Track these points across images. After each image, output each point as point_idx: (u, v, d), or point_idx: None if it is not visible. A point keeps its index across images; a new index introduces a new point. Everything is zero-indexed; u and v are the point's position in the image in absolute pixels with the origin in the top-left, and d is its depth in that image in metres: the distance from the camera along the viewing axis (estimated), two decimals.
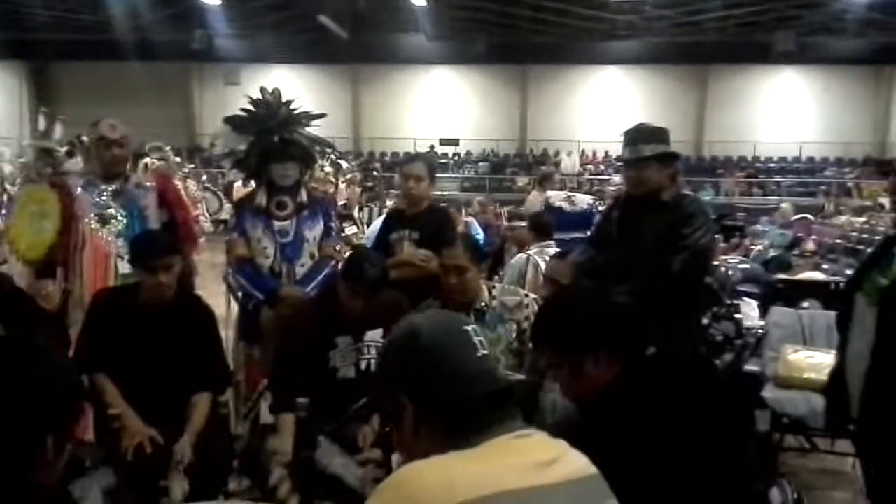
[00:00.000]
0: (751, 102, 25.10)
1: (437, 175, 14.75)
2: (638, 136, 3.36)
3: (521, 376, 2.86)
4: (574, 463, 1.32)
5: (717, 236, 5.46)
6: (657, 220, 3.23)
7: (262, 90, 3.83)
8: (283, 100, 3.82)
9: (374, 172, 15.98)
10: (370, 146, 24.97)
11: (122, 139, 3.71)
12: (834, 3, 18.81)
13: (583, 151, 25.00)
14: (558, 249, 5.49)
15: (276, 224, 3.73)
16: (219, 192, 14.19)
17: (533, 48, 23.32)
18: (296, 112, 3.81)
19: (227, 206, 11.16)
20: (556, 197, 8.13)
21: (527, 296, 3.23)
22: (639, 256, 3.20)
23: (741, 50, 22.34)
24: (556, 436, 1.40)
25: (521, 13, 20.66)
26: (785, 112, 24.95)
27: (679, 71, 24.64)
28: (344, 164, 9.20)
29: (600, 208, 8.45)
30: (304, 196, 3.79)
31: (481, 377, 1.33)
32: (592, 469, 1.34)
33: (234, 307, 5.08)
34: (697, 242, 3.15)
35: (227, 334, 4.08)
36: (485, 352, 1.37)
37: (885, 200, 17.66)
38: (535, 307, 3.14)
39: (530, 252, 5.29)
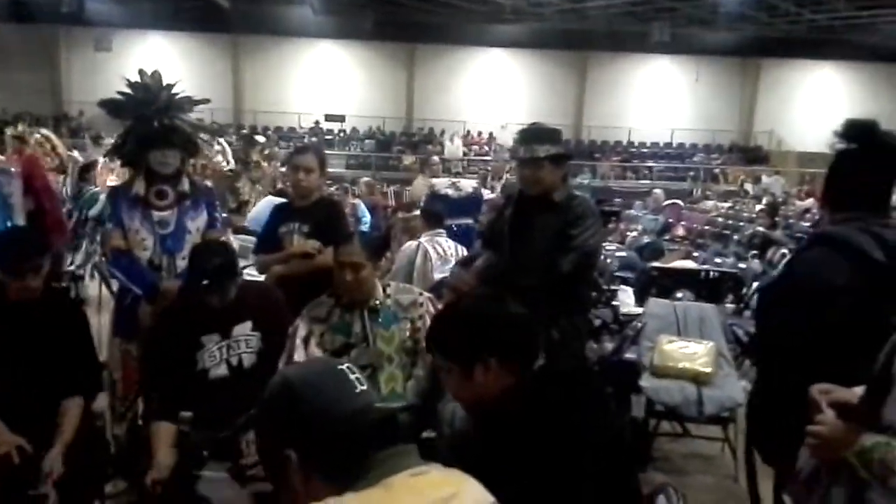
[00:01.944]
0: (627, 89, 26.04)
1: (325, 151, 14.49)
2: (532, 136, 3.42)
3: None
4: (472, 495, 1.32)
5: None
6: (548, 220, 3.30)
7: (141, 72, 3.60)
8: (164, 83, 3.62)
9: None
10: (252, 119, 24.20)
11: None
12: None
13: (468, 132, 25.22)
14: (447, 238, 5.58)
15: (156, 214, 3.54)
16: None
17: (420, 27, 23.25)
18: (178, 96, 3.62)
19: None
20: (442, 184, 8.19)
21: (421, 294, 3.23)
22: (530, 255, 3.27)
23: (620, 38, 23.07)
24: (455, 445, 1.40)
25: None
26: (658, 99, 26.03)
27: (561, 56, 25.23)
28: (224, 143, 8.82)
29: (486, 193, 8.61)
30: (185, 185, 3.61)
31: (363, 414, 1.31)
32: (490, 498, 1.34)
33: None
34: (586, 243, 3.25)
35: (100, 321, 3.88)
36: (364, 388, 1.35)
37: (749, 186, 18.89)
38: (430, 306, 3.15)
39: (421, 240, 5.31)
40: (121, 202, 3.56)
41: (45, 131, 8.58)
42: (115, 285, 3.99)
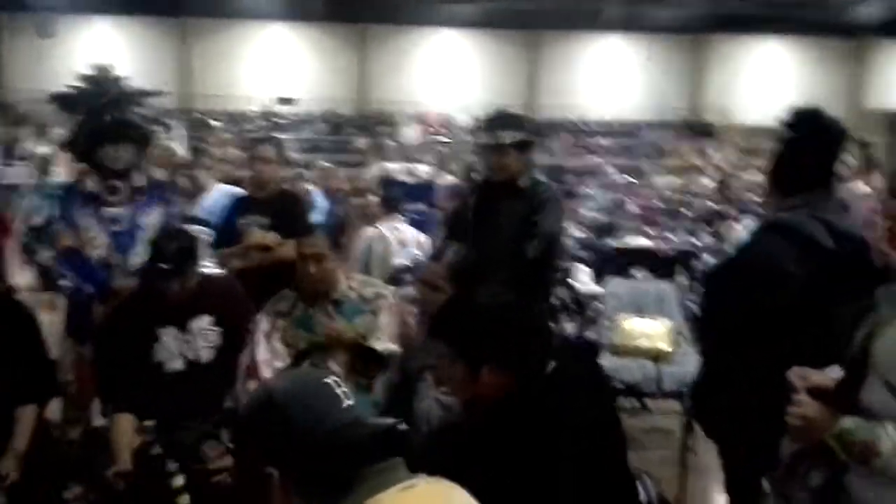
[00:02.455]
0: (579, 67, 26.13)
1: (274, 136, 14.29)
2: (497, 122, 3.44)
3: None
4: None
5: None
6: (513, 207, 3.33)
7: (93, 65, 3.51)
8: (115, 76, 3.53)
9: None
10: (202, 104, 23.71)
11: None
12: None
13: (421, 114, 25.09)
14: (407, 224, 5.57)
15: (108, 211, 3.48)
16: None
17: (372, 8, 22.99)
18: (129, 89, 3.54)
19: None
20: (397, 170, 8.17)
21: (385, 287, 3.22)
22: (495, 242, 3.29)
23: (572, 16, 23.14)
24: (437, 445, 1.39)
25: None
26: (610, 77, 26.19)
27: (514, 35, 25.20)
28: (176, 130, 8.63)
29: (446, 177, 8.62)
30: (139, 181, 3.54)
31: (350, 429, 1.28)
32: None
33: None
34: (550, 229, 3.28)
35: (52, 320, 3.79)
36: (350, 402, 1.32)
37: (700, 162, 19.16)
38: (392, 298, 3.14)
39: (379, 226, 5.29)
40: (71, 199, 3.48)
41: None
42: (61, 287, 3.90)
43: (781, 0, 21.04)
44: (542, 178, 3.73)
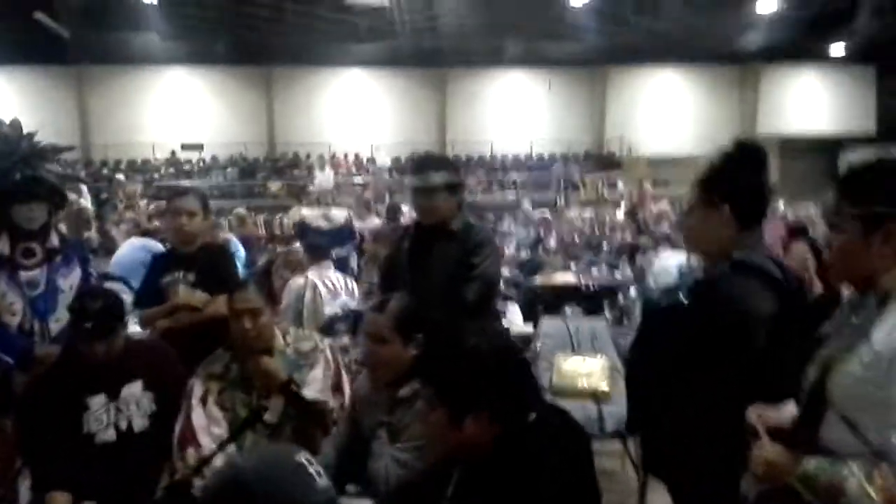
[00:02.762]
0: (486, 103, 26.68)
1: (181, 181, 13.88)
2: (426, 164, 3.42)
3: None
4: None
5: None
6: (447, 249, 3.30)
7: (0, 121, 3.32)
8: (24, 132, 3.34)
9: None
10: (103, 153, 22.97)
11: None
12: (555, 10, 20.55)
13: (333, 155, 25.01)
14: (335, 270, 5.47)
15: (24, 275, 3.27)
16: None
17: (276, 49, 22.87)
18: (40, 145, 3.35)
19: None
20: (313, 216, 8.04)
21: (322, 340, 3.13)
22: (430, 285, 3.24)
23: (476, 53, 23.66)
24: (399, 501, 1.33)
25: (261, 13, 20.15)
26: (516, 112, 26.83)
27: (421, 73, 25.53)
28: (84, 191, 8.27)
29: (368, 221, 8.54)
30: (55, 240, 3.35)
31: None
32: None
33: None
34: (487, 271, 3.26)
35: None
36: (324, 482, 1.26)
37: (606, 192, 19.72)
38: (330, 353, 3.04)
39: (308, 274, 5.17)
40: None
41: None
42: None
43: (671, 30, 22.03)
44: (471, 219, 3.72)
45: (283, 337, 3.03)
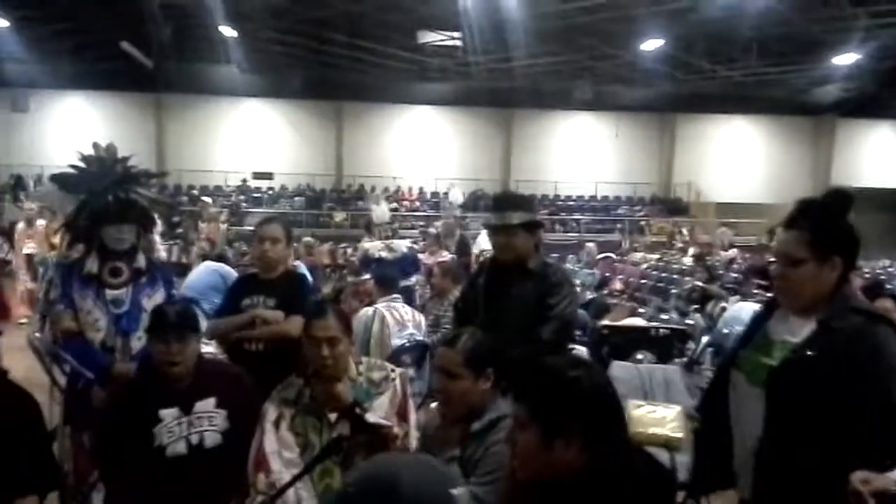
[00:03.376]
0: (551, 144, 26.73)
1: (251, 210, 14.24)
2: (506, 203, 3.41)
3: None
4: None
5: None
6: (523, 288, 3.27)
7: (95, 145, 3.45)
8: (119, 156, 3.46)
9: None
10: (177, 178, 23.70)
11: None
12: (626, 56, 20.52)
13: (398, 188, 25.33)
14: (403, 303, 5.49)
15: (110, 293, 3.36)
16: None
17: (349, 85, 23.38)
18: (134, 170, 3.47)
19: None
20: (375, 248, 8.13)
21: (393, 370, 3.12)
22: (506, 324, 3.21)
23: (544, 95, 23.76)
24: None
25: (337, 51, 20.67)
26: (582, 154, 26.78)
27: (488, 112, 25.75)
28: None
29: (437, 256, 8.58)
30: (142, 262, 3.44)
31: None
32: None
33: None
34: (564, 311, 3.23)
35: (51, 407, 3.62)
36: None
37: (676, 239, 19.44)
38: (400, 382, 3.03)
39: (377, 306, 5.20)
40: (72, 280, 3.37)
41: None
42: (61, 371, 3.75)
43: (745, 80, 21.74)
44: (550, 260, 3.69)
45: (356, 366, 3.03)
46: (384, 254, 8.30)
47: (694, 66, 21.13)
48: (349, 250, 13.57)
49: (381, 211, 10.62)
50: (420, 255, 8.81)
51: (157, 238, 9.32)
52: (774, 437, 2.06)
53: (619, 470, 1.72)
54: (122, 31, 17.53)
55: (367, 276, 6.54)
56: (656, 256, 15.12)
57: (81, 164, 3.42)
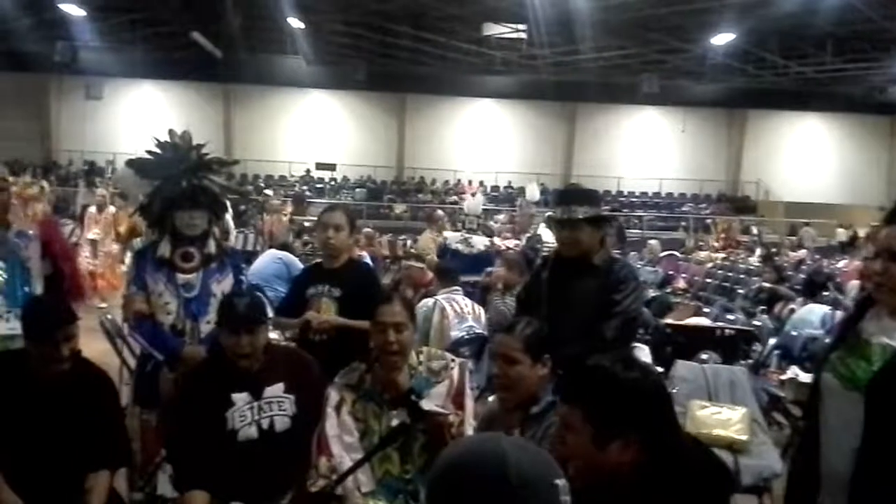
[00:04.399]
0: (616, 139, 26.36)
1: (312, 200, 14.46)
2: (571, 197, 3.37)
3: None
4: None
5: None
6: (588, 284, 3.22)
7: (171, 132, 3.52)
8: (194, 143, 3.54)
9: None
10: (243, 168, 24.16)
11: (4, 182, 3.33)
12: (695, 50, 20.07)
13: (458, 181, 25.35)
14: (463, 295, 5.49)
15: (181, 277, 3.43)
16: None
17: (412, 78, 23.48)
18: (207, 157, 3.54)
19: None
20: (453, 239, 8.12)
21: (453, 360, 3.11)
22: (568, 319, 3.17)
23: (610, 89, 23.42)
24: None
25: (402, 43, 20.76)
26: (647, 149, 26.33)
27: (552, 106, 25.53)
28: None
29: (501, 246, 8.53)
30: (212, 247, 3.51)
31: None
32: None
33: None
34: (629, 308, 3.17)
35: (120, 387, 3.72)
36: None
37: (744, 237, 18.96)
38: (459, 371, 3.03)
39: (438, 297, 5.22)
40: (145, 264, 3.45)
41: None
42: (131, 352, 3.86)
43: (819, 77, 21.04)
44: (616, 255, 3.63)
45: (417, 355, 3.04)
46: (460, 247, 8.29)
47: (766, 61, 20.54)
48: (409, 242, 13.63)
49: (474, 203, 10.56)
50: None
51: (230, 225, 9.55)
52: (875, 451, 1.94)
53: (676, 469, 1.68)
54: (193, 22, 17.93)
55: (419, 263, 6.58)
56: (722, 255, 14.79)
57: (157, 150, 3.50)
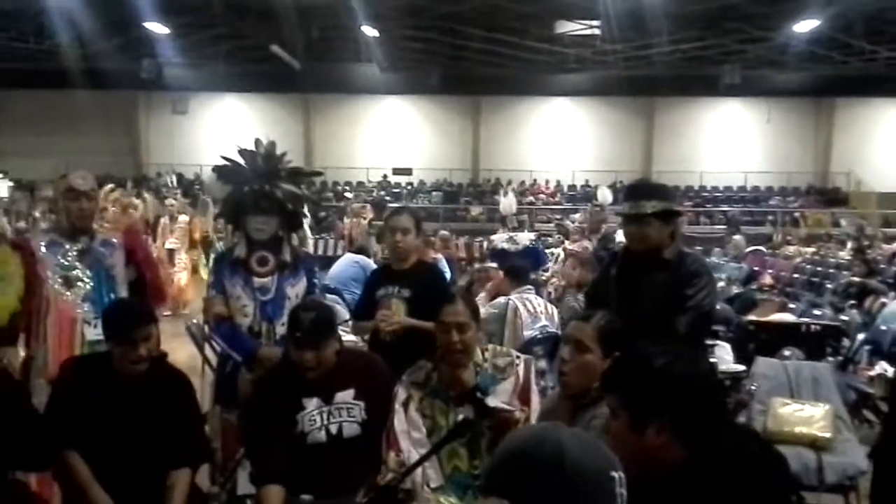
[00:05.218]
0: (697, 133, 25.70)
1: (391, 204, 14.70)
2: (639, 191, 3.31)
3: None
4: None
5: None
6: (658, 279, 3.17)
7: (257, 141, 3.66)
8: (269, 152, 3.64)
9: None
10: (323, 175, 24.71)
11: (92, 191, 3.51)
12: (777, 38, 19.40)
13: (534, 181, 25.23)
14: (535, 294, 5.48)
15: (256, 281, 3.55)
16: None
17: (485, 79, 23.48)
18: (280, 165, 3.64)
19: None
20: (499, 239, 8.17)
21: (518, 357, 3.11)
22: (638, 316, 3.12)
23: (688, 82, 22.86)
24: None
25: (475, 46, 20.80)
26: (730, 142, 25.58)
27: (628, 102, 25.07)
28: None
29: (549, 248, 8.52)
30: (286, 254, 3.61)
31: None
32: None
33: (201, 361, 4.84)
34: (702, 302, 3.10)
35: (203, 387, 3.87)
36: None
37: (833, 231, 18.22)
38: (524, 367, 3.02)
39: (510, 297, 5.22)
40: (223, 268, 3.59)
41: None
42: (214, 353, 4.00)
43: None
44: (688, 250, 3.55)
45: (482, 352, 3.05)
46: (506, 245, 8.33)
47: (852, 47, 19.65)
48: (485, 244, 13.67)
49: (507, 203, 10.66)
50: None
51: (308, 232, 9.75)
52: None
53: (719, 460, 1.65)
54: (271, 35, 18.44)
55: (489, 263, 6.59)
56: (811, 250, 14.25)
57: (234, 158, 3.64)
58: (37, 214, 12.60)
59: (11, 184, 18.75)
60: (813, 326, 5.51)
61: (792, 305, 6.93)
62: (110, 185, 9.17)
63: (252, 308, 3.53)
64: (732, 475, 1.66)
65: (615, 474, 1.18)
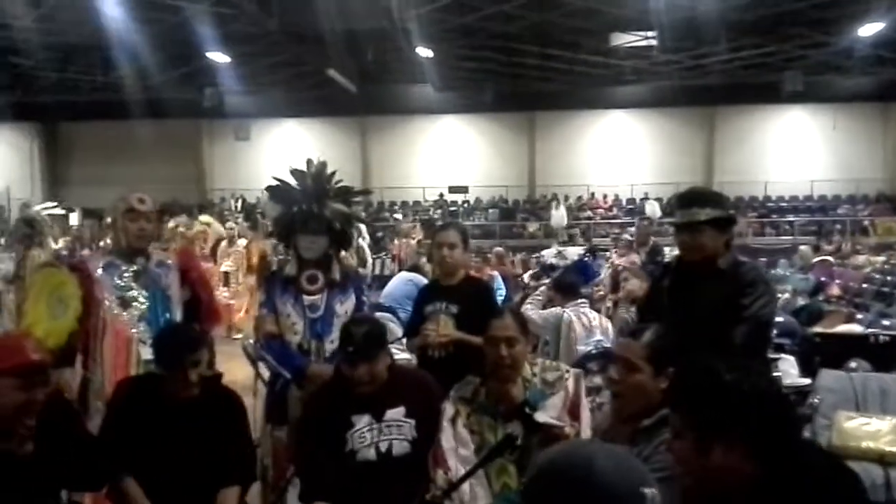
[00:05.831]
0: (759, 142, 25.08)
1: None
2: (692, 199, 3.22)
3: None
4: None
5: None
6: (713, 289, 3.08)
7: (308, 161, 3.71)
8: (317, 172, 3.69)
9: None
10: (380, 196, 24.93)
11: (151, 214, 3.60)
12: (840, 42, 18.85)
13: (592, 194, 24.99)
14: (590, 308, 5.39)
15: (306, 299, 3.59)
16: None
17: (540, 95, 23.41)
18: (328, 185, 3.68)
19: None
20: (549, 255, 8.12)
21: (568, 371, 3.05)
22: (693, 326, 3.02)
23: (749, 90, 22.36)
24: None
25: (529, 62, 20.79)
26: (794, 151, 24.90)
27: (686, 113, 24.66)
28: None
29: (601, 262, 8.39)
30: (336, 274, 3.64)
31: None
32: None
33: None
34: (759, 312, 3.00)
35: (256, 405, 3.90)
36: None
37: None
38: (574, 381, 2.96)
39: (566, 310, 5.15)
40: (274, 287, 3.64)
41: (205, 218, 9.12)
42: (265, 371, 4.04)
43: None
44: (743, 258, 3.44)
45: (531, 367, 3.01)
46: (555, 260, 8.28)
47: None
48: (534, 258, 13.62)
49: (557, 216, 10.62)
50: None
51: (367, 251, 9.82)
52: None
53: (793, 478, 1.56)
54: (327, 60, 18.78)
55: (543, 281, 6.53)
56: (881, 259, 13.71)
57: (286, 179, 3.70)
58: (102, 244, 13.02)
59: (76, 212, 19.45)
60: (881, 337, 5.29)
61: (860, 316, 6.68)
62: (172, 223, 9.37)
63: (302, 326, 3.56)
64: (814, 492, 1.58)
65: (647, 491, 1.16)
